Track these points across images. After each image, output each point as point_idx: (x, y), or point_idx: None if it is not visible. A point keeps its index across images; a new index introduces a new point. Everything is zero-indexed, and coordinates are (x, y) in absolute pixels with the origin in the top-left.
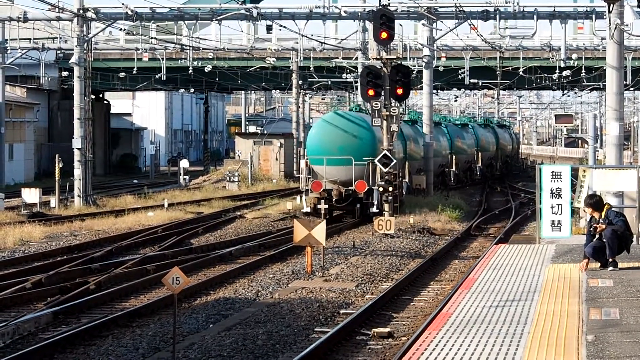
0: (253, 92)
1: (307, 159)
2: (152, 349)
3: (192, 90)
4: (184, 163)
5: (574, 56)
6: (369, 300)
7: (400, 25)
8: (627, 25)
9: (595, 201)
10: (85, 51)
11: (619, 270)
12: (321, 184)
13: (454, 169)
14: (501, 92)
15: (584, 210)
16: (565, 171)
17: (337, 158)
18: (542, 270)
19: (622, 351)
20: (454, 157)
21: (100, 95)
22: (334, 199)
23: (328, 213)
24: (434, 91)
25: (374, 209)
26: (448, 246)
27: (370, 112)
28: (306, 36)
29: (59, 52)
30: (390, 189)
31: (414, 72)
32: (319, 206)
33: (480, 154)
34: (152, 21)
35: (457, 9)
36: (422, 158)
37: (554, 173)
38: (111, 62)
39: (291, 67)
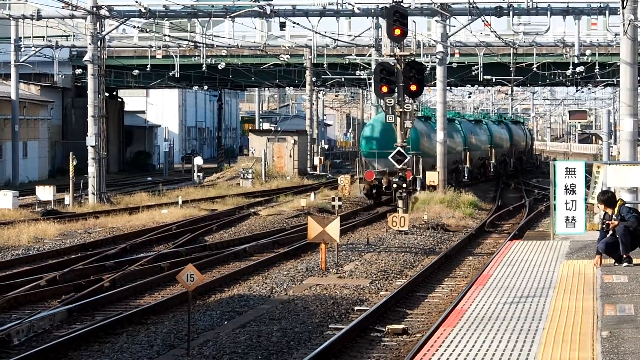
0: (266, 89)
1: (361, 152)
2: (166, 346)
3: (205, 87)
4: (198, 160)
5: (588, 52)
6: (383, 297)
7: (414, 21)
8: None
9: (607, 197)
10: (98, 49)
11: (633, 266)
12: (373, 174)
13: (467, 165)
14: (515, 88)
15: (597, 207)
16: (580, 167)
17: (386, 151)
18: (557, 267)
19: (637, 347)
20: (467, 153)
21: (114, 93)
22: (383, 186)
23: (378, 197)
24: (448, 88)
25: (418, 192)
26: (462, 242)
27: (384, 108)
28: (319, 33)
29: (72, 49)
30: (404, 185)
31: (428, 69)
32: (373, 191)
33: (493, 150)
34: (166, 18)
35: (471, 6)
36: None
37: (568, 169)
38: (125, 60)
39: (304, 64)
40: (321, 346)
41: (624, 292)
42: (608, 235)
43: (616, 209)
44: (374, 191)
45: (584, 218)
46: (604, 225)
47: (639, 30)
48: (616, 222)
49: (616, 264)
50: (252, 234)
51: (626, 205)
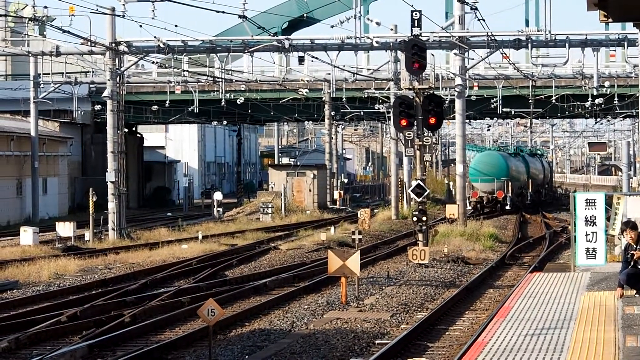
0: (286, 123)
1: (469, 178)
2: None
3: (224, 122)
4: (218, 195)
5: (607, 84)
6: (404, 330)
7: (432, 54)
8: None
9: (631, 226)
10: (117, 84)
11: None
12: (477, 193)
13: (530, 190)
14: (534, 120)
15: (618, 238)
16: (600, 199)
17: (486, 177)
18: (578, 298)
19: None
20: (529, 181)
21: (133, 129)
22: (484, 202)
23: (481, 209)
24: (467, 120)
25: (508, 207)
26: (483, 275)
27: (403, 142)
28: (338, 67)
29: (91, 85)
30: (424, 218)
31: (447, 102)
32: (475, 206)
33: (510, 183)
34: (184, 54)
35: (489, 38)
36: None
37: (588, 201)
38: (144, 95)
39: (323, 98)
40: None
41: None
42: (630, 267)
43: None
44: (478, 206)
45: (604, 249)
46: (628, 256)
47: None
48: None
49: (637, 295)
50: (273, 268)
51: None
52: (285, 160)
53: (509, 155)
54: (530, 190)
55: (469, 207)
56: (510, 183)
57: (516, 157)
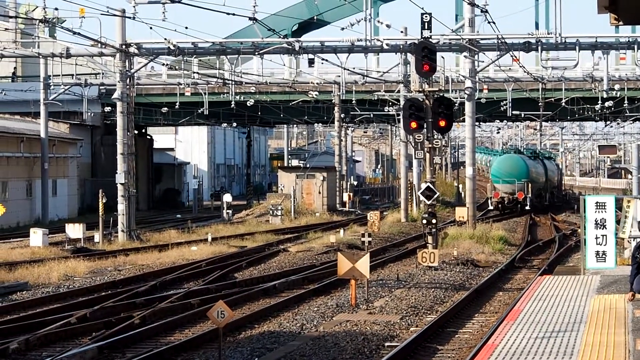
0: (295, 125)
1: (491, 180)
2: None
3: (234, 124)
4: (227, 197)
5: (617, 87)
6: (414, 333)
7: (442, 57)
8: None
9: None
10: (127, 86)
11: None
12: (499, 194)
13: (547, 193)
14: (544, 123)
15: (628, 241)
16: (610, 202)
17: (507, 179)
18: (587, 301)
19: None
20: (546, 184)
21: (143, 130)
22: (505, 202)
23: (503, 209)
24: (476, 123)
25: (527, 207)
26: (492, 278)
27: (413, 144)
28: (348, 69)
29: (101, 87)
30: (434, 221)
31: (456, 104)
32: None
33: (530, 185)
34: (194, 56)
35: (499, 41)
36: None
37: (598, 204)
38: (154, 97)
39: (333, 101)
40: None
41: None
42: None
43: None
44: (499, 205)
45: (614, 253)
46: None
47: None
48: None
49: None
50: (282, 270)
51: None
52: (294, 163)
53: (528, 158)
54: (548, 193)
55: (490, 207)
56: (530, 184)
57: (535, 160)
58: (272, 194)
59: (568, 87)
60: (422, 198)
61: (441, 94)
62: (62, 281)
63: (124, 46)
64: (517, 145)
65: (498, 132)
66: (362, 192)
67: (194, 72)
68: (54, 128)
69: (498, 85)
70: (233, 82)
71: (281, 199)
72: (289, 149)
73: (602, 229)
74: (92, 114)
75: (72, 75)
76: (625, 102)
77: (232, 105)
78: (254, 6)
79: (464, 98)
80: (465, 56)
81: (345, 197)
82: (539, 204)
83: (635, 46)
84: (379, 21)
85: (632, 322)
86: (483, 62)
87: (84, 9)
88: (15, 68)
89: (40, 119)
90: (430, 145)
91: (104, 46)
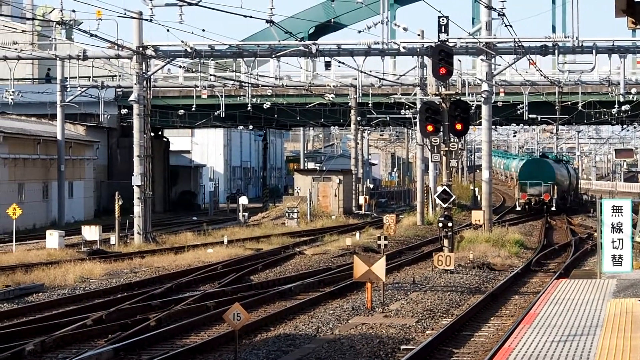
0: (311, 128)
1: (519, 181)
2: None
3: (250, 127)
4: (243, 200)
5: (633, 90)
6: (430, 336)
7: (459, 60)
8: None
9: None
10: (144, 89)
11: None
12: (526, 195)
13: (572, 194)
14: (560, 127)
15: None
16: (627, 205)
17: (535, 181)
18: (604, 305)
19: None
20: (570, 186)
21: (160, 133)
22: (532, 203)
23: (530, 210)
24: (493, 126)
25: (553, 208)
26: (508, 281)
27: (429, 147)
28: (365, 72)
29: (118, 89)
30: (450, 224)
31: (473, 108)
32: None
33: (556, 187)
34: (211, 58)
35: (516, 44)
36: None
37: (614, 207)
38: (170, 100)
39: (350, 103)
40: None
41: None
42: None
43: None
44: (527, 207)
45: (630, 256)
46: None
47: None
48: None
49: None
50: (298, 273)
51: None
52: (310, 165)
53: (554, 162)
54: (570, 196)
55: (518, 208)
56: (556, 187)
57: (559, 164)
58: (288, 196)
59: (585, 91)
60: (438, 201)
61: (458, 97)
62: (78, 283)
63: (140, 48)
64: (533, 149)
65: (514, 136)
66: (378, 195)
67: (211, 75)
68: (70, 130)
69: (515, 88)
70: (249, 85)
71: (297, 201)
72: (305, 151)
73: (619, 232)
74: (109, 116)
75: (89, 77)
76: None
77: (249, 108)
78: (271, 9)
79: (480, 101)
80: (482, 59)
81: (362, 200)
82: (563, 205)
83: None
84: (395, 24)
85: None
86: (500, 65)
87: (101, 11)
88: (49, 69)
89: (56, 120)
90: (446, 149)
91: (120, 48)
